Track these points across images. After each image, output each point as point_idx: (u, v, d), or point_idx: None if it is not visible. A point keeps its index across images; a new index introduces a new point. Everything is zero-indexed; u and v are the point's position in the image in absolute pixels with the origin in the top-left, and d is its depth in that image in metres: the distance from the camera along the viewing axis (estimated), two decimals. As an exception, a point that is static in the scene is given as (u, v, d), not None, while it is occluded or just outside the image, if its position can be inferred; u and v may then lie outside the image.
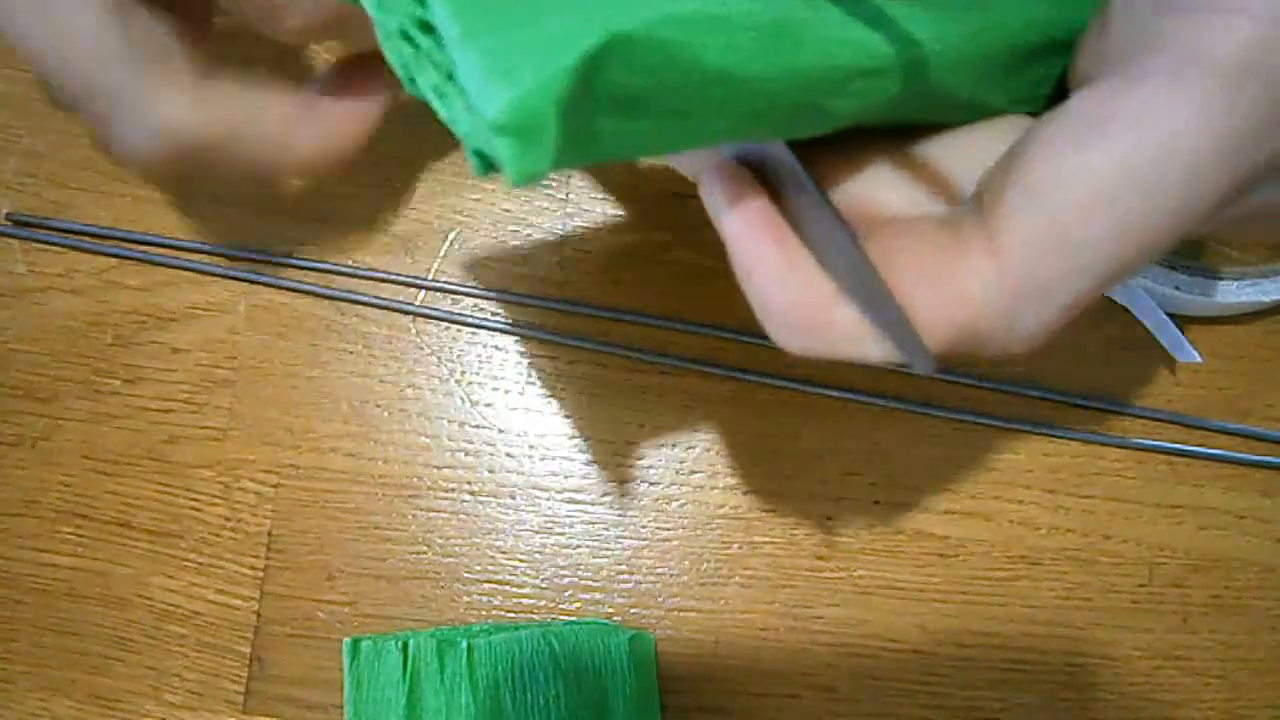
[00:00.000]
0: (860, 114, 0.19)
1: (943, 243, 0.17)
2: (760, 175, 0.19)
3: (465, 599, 0.34)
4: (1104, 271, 0.16)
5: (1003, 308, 0.17)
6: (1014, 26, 0.19)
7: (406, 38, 0.17)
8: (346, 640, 0.31)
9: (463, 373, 0.36)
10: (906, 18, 0.17)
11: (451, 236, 0.36)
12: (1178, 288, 0.33)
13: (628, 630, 0.32)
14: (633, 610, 0.34)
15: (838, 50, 0.17)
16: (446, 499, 0.35)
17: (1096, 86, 0.16)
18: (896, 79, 0.18)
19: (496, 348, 0.36)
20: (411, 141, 0.37)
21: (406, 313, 0.36)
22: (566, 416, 0.35)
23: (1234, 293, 0.33)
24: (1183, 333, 0.32)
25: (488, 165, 0.16)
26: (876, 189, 0.20)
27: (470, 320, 0.36)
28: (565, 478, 0.35)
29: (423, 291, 0.36)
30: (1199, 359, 0.32)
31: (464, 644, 0.29)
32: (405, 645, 0.30)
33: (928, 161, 0.20)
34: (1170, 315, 0.33)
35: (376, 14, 0.17)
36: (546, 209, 0.36)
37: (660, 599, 0.34)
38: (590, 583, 0.34)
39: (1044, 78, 0.21)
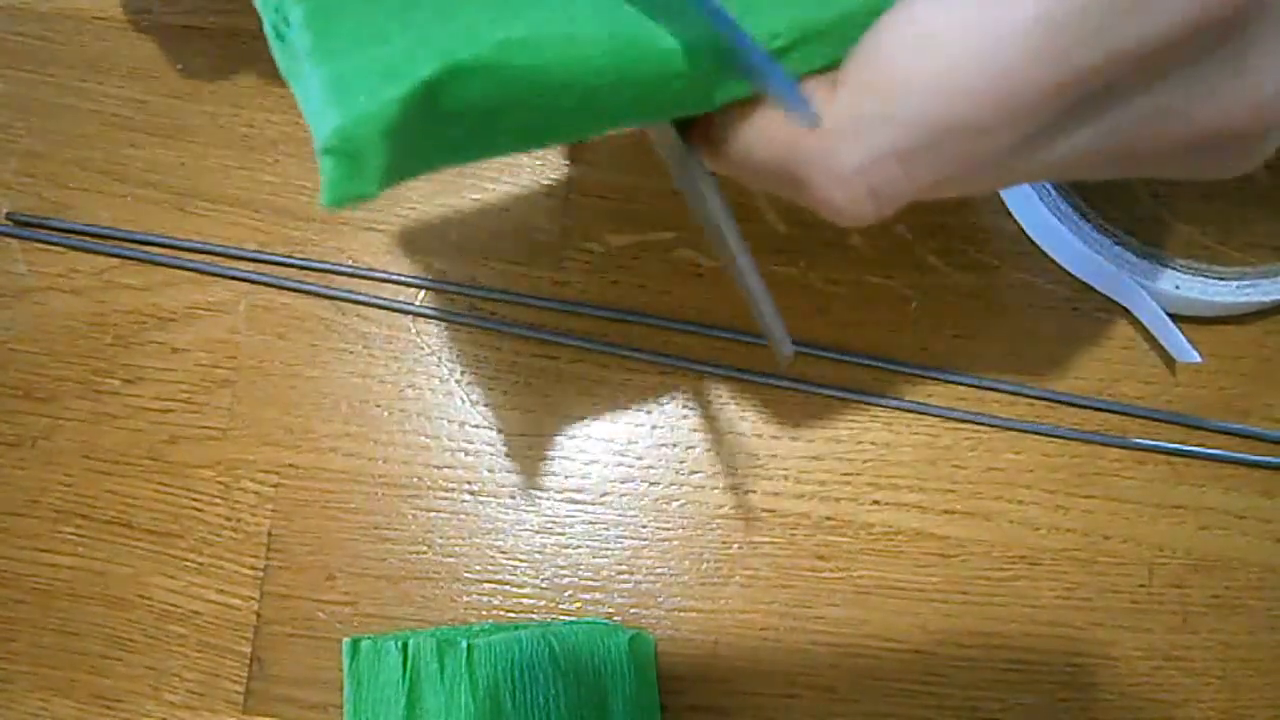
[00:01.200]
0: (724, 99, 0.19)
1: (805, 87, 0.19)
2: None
3: (465, 599, 0.34)
4: (921, 125, 0.17)
5: (822, 135, 0.18)
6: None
7: (279, 36, 0.17)
8: (346, 640, 0.31)
9: (463, 373, 0.36)
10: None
11: (452, 236, 0.36)
12: (1177, 287, 0.33)
13: (628, 630, 0.32)
14: (633, 610, 0.34)
15: (676, 60, 0.18)
16: (446, 499, 0.35)
17: None
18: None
19: (496, 348, 0.36)
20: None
21: (406, 313, 0.36)
22: (566, 416, 0.35)
23: (1234, 293, 0.33)
24: (1182, 333, 0.32)
25: None
26: None
27: (470, 320, 0.36)
28: (565, 478, 0.35)
29: (423, 291, 0.36)
30: (1199, 359, 0.32)
31: (464, 644, 0.29)
32: (405, 645, 0.30)
33: None
34: (1170, 315, 0.33)
35: (260, 7, 0.17)
36: (546, 209, 0.36)
37: (660, 599, 0.34)
38: (590, 583, 0.34)
39: None
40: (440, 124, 0.16)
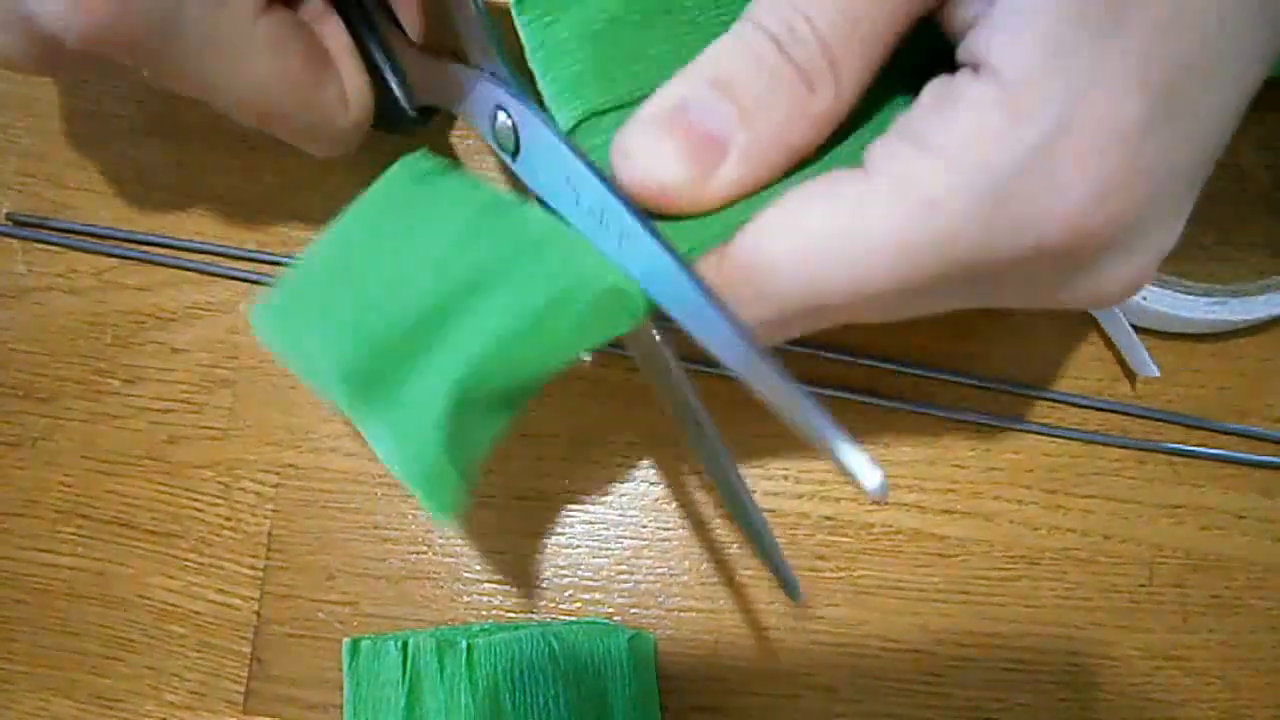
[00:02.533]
0: None
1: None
2: None
3: (465, 599, 0.34)
4: (782, 305, 0.21)
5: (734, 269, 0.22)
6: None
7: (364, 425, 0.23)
8: (346, 640, 0.31)
9: (463, 373, 0.36)
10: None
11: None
12: (1145, 299, 0.32)
13: (628, 630, 0.32)
14: (633, 610, 0.34)
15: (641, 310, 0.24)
16: (446, 499, 0.35)
17: (851, 170, 0.20)
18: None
19: (496, 348, 0.36)
20: (409, 143, 0.37)
21: (406, 313, 0.36)
22: (567, 416, 0.35)
23: (1202, 309, 0.32)
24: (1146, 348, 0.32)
25: None
26: None
27: (470, 320, 0.36)
28: (565, 478, 0.35)
29: (423, 291, 0.36)
30: (1155, 372, 0.33)
31: (464, 644, 0.29)
32: (405, 645, 0.30)
33: None
34: (1134, 327, 0.33)
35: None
36: (546, 209, 0.36)
37: (660, 599, 0.34)
38: (590, 583, 0.34)
39: None
40: (475, 416, 0.22)
